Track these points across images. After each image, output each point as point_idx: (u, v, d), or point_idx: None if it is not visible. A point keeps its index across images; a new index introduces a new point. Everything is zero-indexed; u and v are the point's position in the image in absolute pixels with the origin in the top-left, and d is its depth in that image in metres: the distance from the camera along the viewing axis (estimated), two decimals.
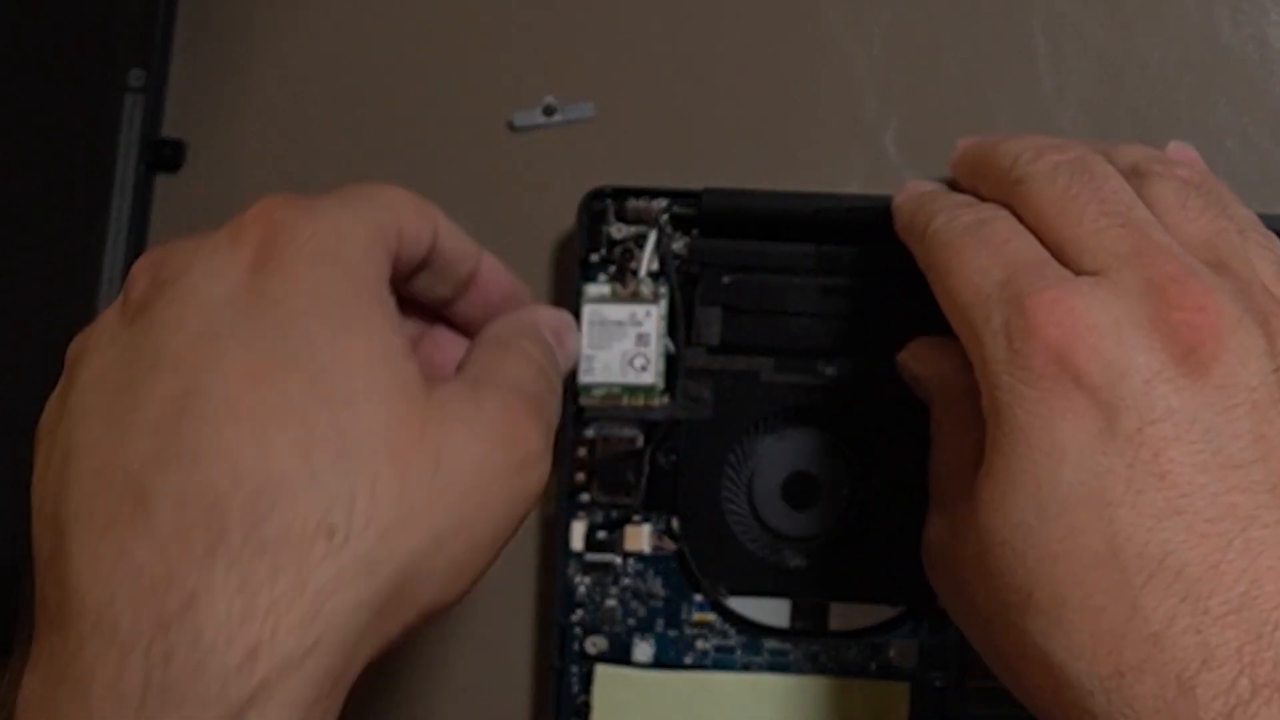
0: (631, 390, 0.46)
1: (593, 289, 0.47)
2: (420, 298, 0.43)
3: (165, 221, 0.51)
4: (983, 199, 0.40)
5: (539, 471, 0.38)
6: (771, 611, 0.46)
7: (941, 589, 0.39)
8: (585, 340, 0.46)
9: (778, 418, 0.46)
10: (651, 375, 0.46)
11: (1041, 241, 0.38)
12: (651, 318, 0.46)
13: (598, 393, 0.46)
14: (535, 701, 0.48)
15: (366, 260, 0.36)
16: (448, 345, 0.44)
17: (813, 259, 0.46)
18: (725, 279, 0.47)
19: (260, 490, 0.32)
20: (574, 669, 0.46)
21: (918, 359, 0.43)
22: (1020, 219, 0.39)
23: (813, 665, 0.46)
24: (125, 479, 0.33)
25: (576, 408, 0.46)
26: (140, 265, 0.37)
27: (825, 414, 0.46)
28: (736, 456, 0.46)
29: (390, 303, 0.37)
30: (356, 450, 0.33)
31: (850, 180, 0.49)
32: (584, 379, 0.46)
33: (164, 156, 0.51)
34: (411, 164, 0.50)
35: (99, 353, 0.36)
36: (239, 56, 0.51)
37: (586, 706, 0.46)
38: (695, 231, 0.47)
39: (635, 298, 0.46)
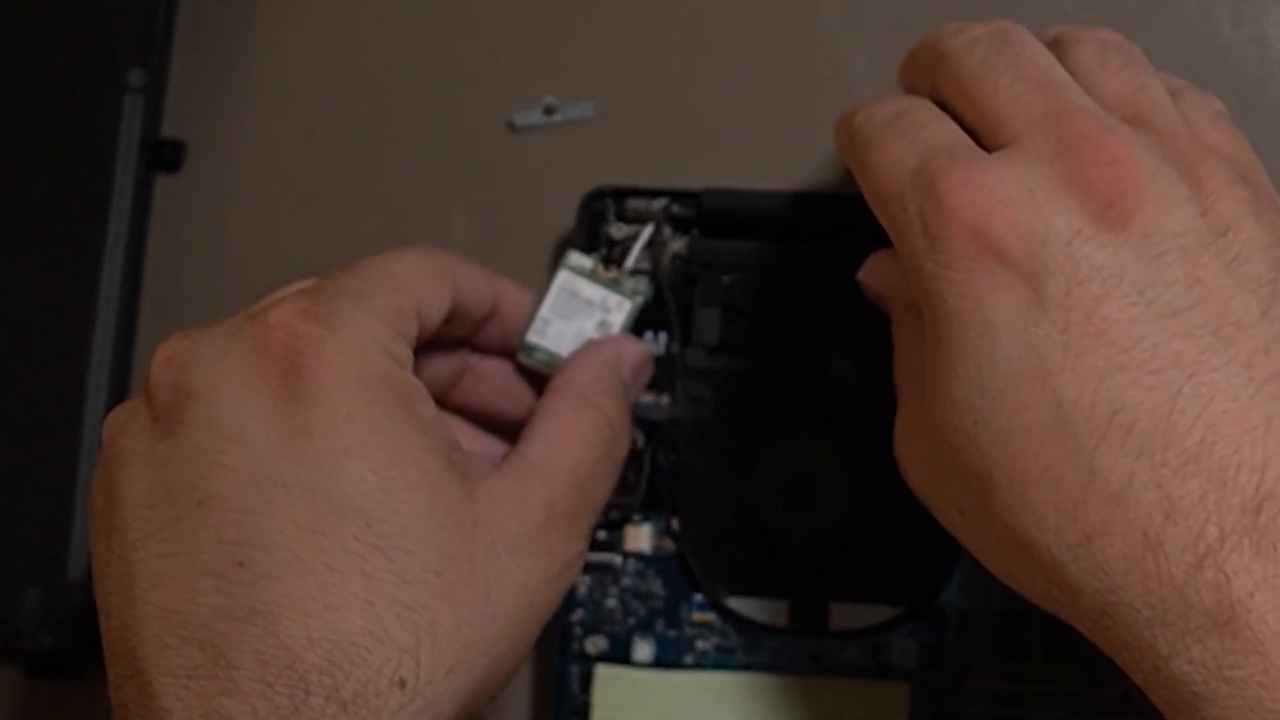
0: None
1: (576, 258, 0.46)
2: (438, 340, 0.43)
3: (165, 221, 0.51)
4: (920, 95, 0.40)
5: (575, 569, 0.40)
6: (771, 611, 0.46)
7: (920, 492, 0.39)
8: (549, 304, 0.45)
9: (778, 418, 0.46)
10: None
11: (963, 120, 0.37)
12: (621, 310, 0.46)
13: (540, 357, 0.45)
14: (535, 701, 0.48)
15: (392, 365, 0.37)
16: (490, 375, 0.45)
17: (813, 259, 0.46)
18: (725, 279, 0.47)
19: (335, 649, 0.34)
20: (574, 669, 0.47)
21: (873, 273, 0.43)
22: (945, 103, 0.38)
23: (813, 665, 0.46)
24: (199, 630, 0.34)
25: None
26: (160, 363, 0.37)
27: (825, 414, 0.46)
28: (736, 456, 0.46)
29: (421, 404, 0.37)
30: (416, 599, 0.35)
31: (850, 180, 0.49)
32: (531, 338, 0.45)
33: (164, 156, 0.51)
34: (411, 164, 0.50)
35: (138, 462, 0.36)
36: (239, 56, 0.51)
37: (586, 706, 0.46)
38: (695, 231, 0.47)
39: (614, 285, 0.46)
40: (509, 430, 0.44)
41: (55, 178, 0.50)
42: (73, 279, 0.50)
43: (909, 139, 0.37)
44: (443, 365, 0.45)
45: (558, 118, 0.50)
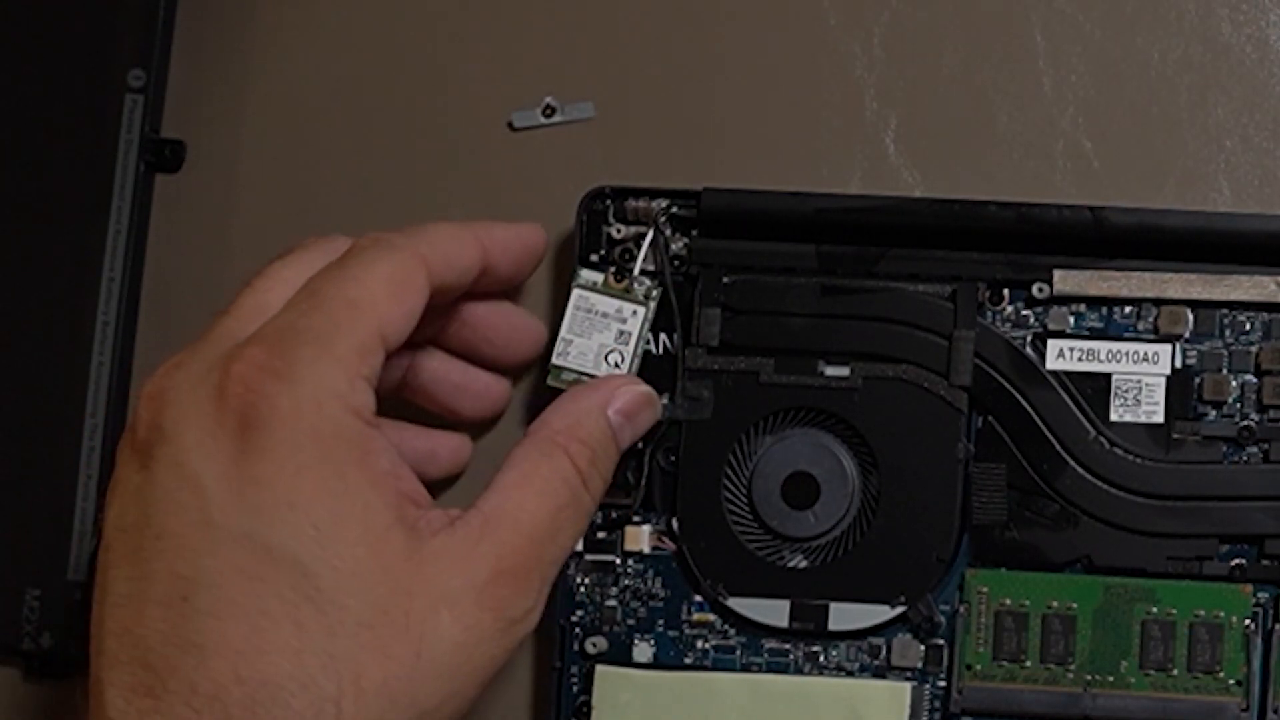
0: None
1: (586, 274, 0.46)
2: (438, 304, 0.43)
3: (165, 221, 0.51)
4: None
5: (527, 625, 0.40)
6: (771, 611, 0.46)
7: None
8: (566, 324, 0.46)
9: (778, 418, 0.46)
10: (624, 372, 0.46)
11: None
12: (637, 318, 0.46)
13: (567, 378, 0.46)
14: (535, 701, 0.48)
15: (348, 419, 0.38)
16: (481, 323, 0.46)
17: (813, 259, 0.46)
18: (725, 279, 0.47)
19: (258, 690, 0.36)
20: (574, 669, 0.46)
21: None
22: None
23: (813, 665, 0.46)
24: (145, 653, 0.37)
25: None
26: (144, 399, 0.39)
27: (825, 414, 0.46)
28: (736, 456, 0.46)
29: (377, 455, 0.38)
30: (344, 651, 0.36)
31: (850, 180, 0.49)
32: (557, 360, 0.46)
33: (164, 156, 0.51)
34: (411, 164, 0.50)
35: (121, 488, 0.39)
36: (239, 56, 0.51)
37: (586, 706, 0.46)
38: (695, 232, 0.47)
39: (626, 294, 0.46)
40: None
41: (55, 178, 0.50)
42: (73, 279, 0.50)
43: None
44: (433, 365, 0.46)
45: (558, 118, 0.50)
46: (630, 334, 0.46)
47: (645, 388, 0.45)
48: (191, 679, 0.36)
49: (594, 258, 0.47)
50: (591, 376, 0.46)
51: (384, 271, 0.40)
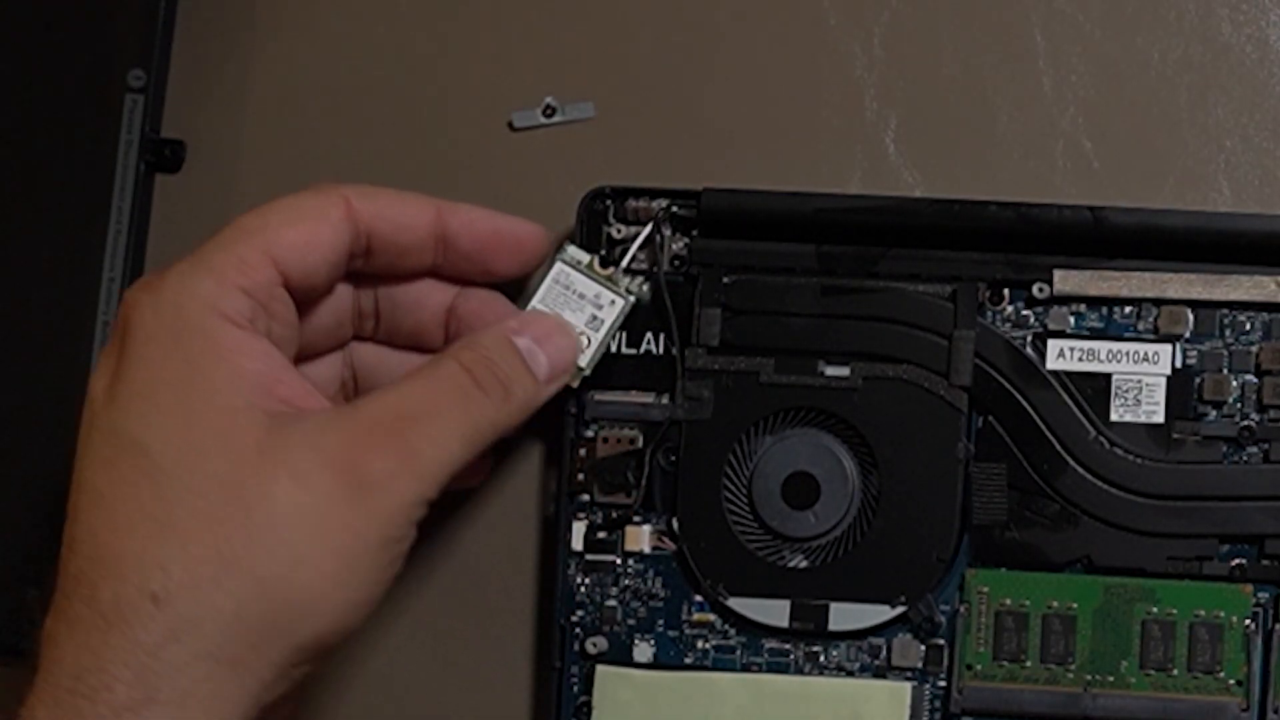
0: None
1: (573, 251, 0.46)
2: (397, 272, 0.44)
3: (165, 221, 0.51)
4: None
5: (387, 493, 0.39)
6: (772, 611, 0.46)
7: None
8: (540, 295, 0.46)
9: (778, 418, 0.46)
10: (585, 359, 0.46)
11: None
12: (614, 308, 0.46)
13: None
14: (535, 701, 0.48)
15: (210, 318, 0.40)
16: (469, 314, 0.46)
17: (813, 259, 0.46)
18: (725, 279, 0.47)
19: (99, 565, 0.38)
20: (574, 669, 0.47)
21: None
22: None
23: (813, 665, 0.46)
24: (64, 564, 0.40)
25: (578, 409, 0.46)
26: None
27: (825, 414, 0.46)
28: (736, 456, 0.46)
29: (241, 354, 0.40)
30: (173, 519, 0.38)
31: (850, 180, 0.49)
32: None
33: (164, 156, 0.51)
34: (412, 164, 0.50)
35: None
36: (239, 56, 0.51)
37: (587, 706, 0.46)
38: (695, 232, 0.47)
39: (609, 282, 0.46)
40: None
41: (56, 178, 0.50)
42: (73, 279, 0.50)
43: None
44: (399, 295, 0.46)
45: (558, 118, 0.50)
46: (602, 321, 0.46)
47: (556, 317, 0.45)
48: (66, 572, 0.39)
49: None
50: None
51: (289, 202, 0.42)
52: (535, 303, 0.45)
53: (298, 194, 0.42)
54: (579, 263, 0.46)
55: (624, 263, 0.46)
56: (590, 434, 0.47)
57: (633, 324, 0.46)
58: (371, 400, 0.41)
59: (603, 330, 0.46)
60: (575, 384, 0.45)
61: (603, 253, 0.47)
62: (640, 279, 0.46)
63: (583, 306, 0.46)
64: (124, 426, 0.39)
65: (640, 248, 0.47)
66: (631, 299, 0.46)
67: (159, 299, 0.40)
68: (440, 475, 0.40)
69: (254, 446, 0.39)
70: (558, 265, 0.46)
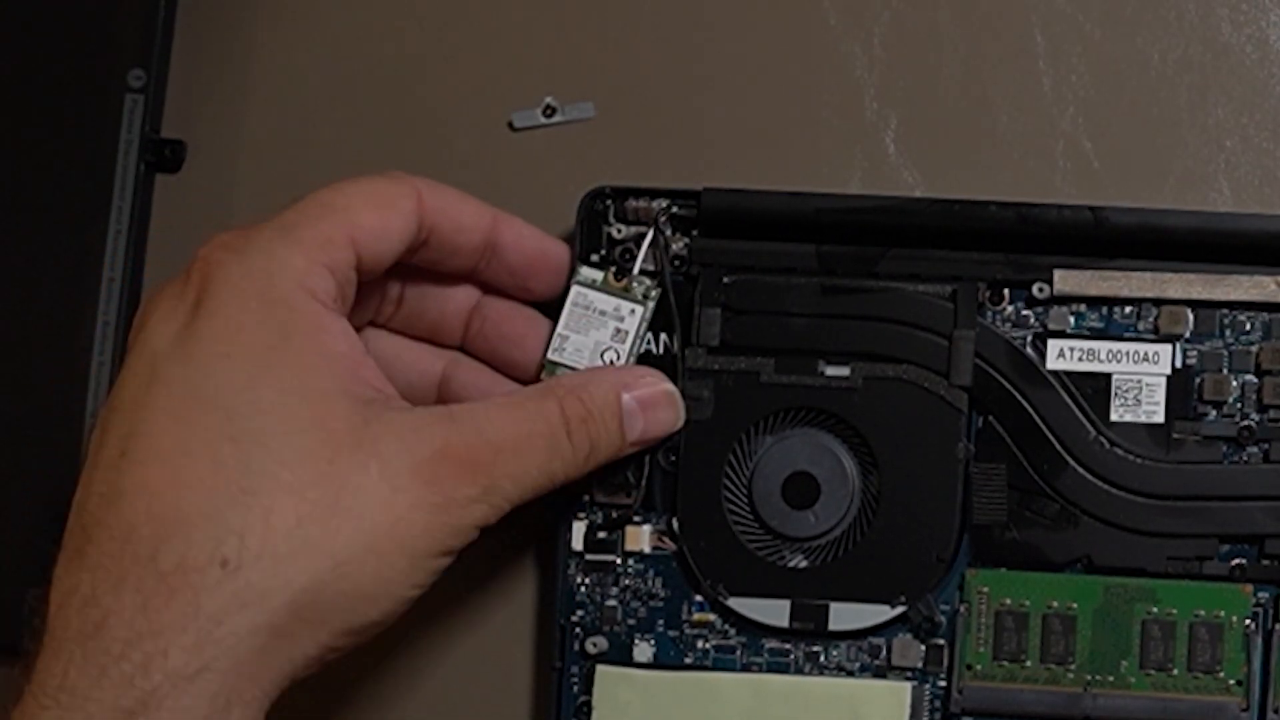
0: None
1: (586, 272, 0.46)
2: (439, 269, 0.44)
3: (165, 221, 0.51)
4: None
5: (465, 516, 0.40)
6: (772, 611, 0.46)
7: None
8: (563, 320, 0.46)
9: (778, 418, 0.46)
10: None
11: None
12: (635, 316, 0.46)
13: (560, 374, 0.46)
14: (535, 701, 0.48)
15: (299, 294, 0.39)
16: (499, 318, 0.46)
17: (813, 259, 0.46)
18: (725, 279, 0.47)
19: (163, 526, 0.37)
20: (574, 669, 0.47)
21: None
22: None
23: (813, 665, 0.46)
24: (84, 515, 0.38)
25: None
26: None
27: (825, 414, 0.46)
28: (737, 456, 0.46)
29: (330, 335, 0.39)
30: (257, 486, 0.37)
31: (850, 180, 0.49)
32: (552, 356, 0.46)
33: (164, 156, 0.51)
34: (412, 164, 0.50)
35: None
36: (239, 56, 0.51)
37: (587, 706, 0.46)
38: (695, 232, 0.47)
39: (625, 293, 0.46)
40: None
41: (55, 178, 0.50)
42: (73, 279, 0.50)
43: None
44: (446, 297, 0.46)
45: (558, 118, 0.50)
46: (627, 332, 0.46)
47: (670, 386, 0.45)
48: (110, 525, 0.37)
49: (594, 257, 0.47)
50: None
51: (368, 186, 0.42)
52: (560, 329, 0.46)
53: (373, 178, 0.42)
54: (594, 281, 0.46)
55: (635, 269, 0.47)
56: None
57: (649, 325, 0.46)
58: (468, 416, 0.40)
59: (630, 340, 0.46)
60: None
61: (614, 267, 0.47)
62: (652, 282, 0.47)
63: (605, 323, 0.46)
64: (203, 385, 0.38)
65: (645, 252, 0.47)
66: (650, 303, 0.46)
67: (249, 264, 0.39)
68: (508, 508, 0.41)
69: (346, 430, 0.38)
70: (574, 289, 0.46)
